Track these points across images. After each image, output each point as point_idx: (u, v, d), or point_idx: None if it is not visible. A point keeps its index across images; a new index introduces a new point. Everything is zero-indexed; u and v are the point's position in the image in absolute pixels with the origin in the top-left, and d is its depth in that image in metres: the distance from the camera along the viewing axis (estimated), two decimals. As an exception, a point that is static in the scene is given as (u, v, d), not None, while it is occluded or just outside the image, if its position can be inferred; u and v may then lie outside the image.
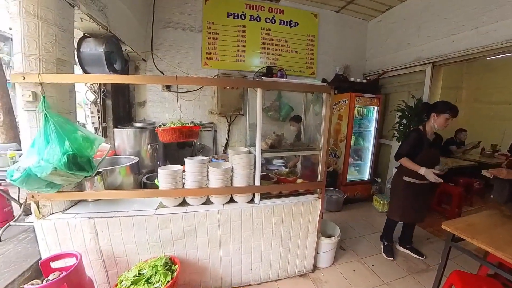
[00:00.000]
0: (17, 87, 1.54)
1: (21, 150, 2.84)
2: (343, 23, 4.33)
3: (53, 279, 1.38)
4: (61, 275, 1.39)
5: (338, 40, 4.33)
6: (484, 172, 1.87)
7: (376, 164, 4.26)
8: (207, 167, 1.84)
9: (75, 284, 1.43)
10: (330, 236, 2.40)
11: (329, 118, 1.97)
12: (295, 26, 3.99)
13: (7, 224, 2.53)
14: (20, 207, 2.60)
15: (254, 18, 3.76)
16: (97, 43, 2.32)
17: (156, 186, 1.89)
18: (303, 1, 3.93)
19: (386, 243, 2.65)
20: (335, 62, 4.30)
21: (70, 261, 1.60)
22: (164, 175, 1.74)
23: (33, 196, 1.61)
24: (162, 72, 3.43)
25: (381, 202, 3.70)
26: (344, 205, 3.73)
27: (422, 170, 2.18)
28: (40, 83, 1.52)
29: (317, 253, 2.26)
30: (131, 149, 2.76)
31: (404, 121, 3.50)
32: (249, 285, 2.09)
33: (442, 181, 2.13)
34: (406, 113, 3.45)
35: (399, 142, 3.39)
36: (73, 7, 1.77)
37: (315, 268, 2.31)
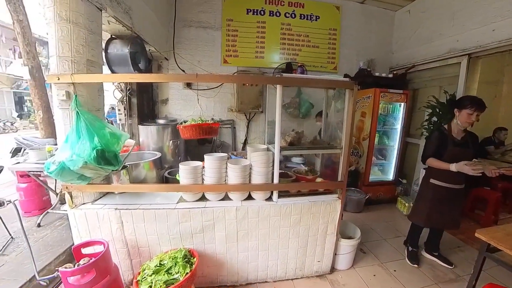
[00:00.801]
0: (53, 87, 1.67)
1: (57, 145, 3.10)
2: (368, 15, 4.10)
3: (83, 264, 1.49)
4: (91, 261, 1.50)
5: (362, 33, 4.12)
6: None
7: (401, 164, 4.03)
8: (226, 163, 1.86)
9: (103, 270, 1.54)
10: (350, 237, 2.32)
11: (351, 115, 1.88)
12: (316, 20, 3.86)
13: (46, 211, 2.81)
14: (56, 196, 2.86)
15: (274, 13, 3.70)
16: (122, 44, 2.44)
17: (177, 181, 1.95)
18: (325, -7, 3.79)
19: (410, 249, 2.50)
20: (358, 57, 4.10)
21: (98, 248, 1.72)
22: (185, 171, 1.80)
23: (67, 187, 1.74)
24: (183, 70, 3.53)
25: (406, 204, 3.49)
26: (365, 206, 3.58)
27: (453, 166, 2.00)
28: (72, 83, 1.63)
29: (335, 254, 2.20)
30: (154, 145, 2.89)
31: (435, 118, 3.24)
32: (265, 282, 2.10)
33: (481, 173, 1.89)
34: (437, 110, 3.19)
35: (428, 141, 3.17)
36: (101, 10, 1.87)
37: (333, 269, 2.25)
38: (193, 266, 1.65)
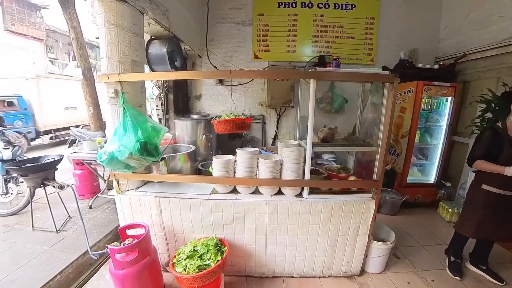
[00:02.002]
0: (103, 85, 1.86)
1: (105, 137, 3.47)
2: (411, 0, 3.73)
3: (128, 244, 1.67)
4: (134, 241, 1.67)
5: (404, 20, 3.77)
6: None
7: (446, 165, 3.65)
8: (257, 158, 1.89)
9: (144, 250, 1.70)
10: (383, 240, 2.20)
11: (391, 111, 1.76)
12: (351, 9, 3.64)
13: (96, 195, 3.18)
14: (105, 183, 3.21)
15: (306, 4, 3.59)
16: (161, 44, 2.60)
17: (210, 173, 2.05)
18: (362, -20, 3.55)
19: (453, 259, 2.26)
20: (398, 47, 3.77)
21: (140, 231, 1.89)
22: (218, 164, 1.88)
23: (115, 175, 1.94)
24: (215, 67, 3.64)
25: (449, 210, 3.16)
26: (401, 208, 3.34)
27: (509, 170, 1.75)
28: (120, 82, 1.80)
29: (366, 256, 2.11)
30: (188, 138, 3.06)
31: (489, 115, 2.84)
32: (291, 277, 2.11)
33: None
34: (493, 105, 2.79)
35: (479, 141, 2.82)
36: (142, 13, 2.02)
37: (362, 272, 2.17)
38: (224, 254, 1.73)
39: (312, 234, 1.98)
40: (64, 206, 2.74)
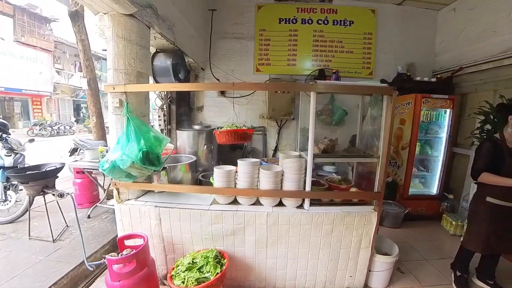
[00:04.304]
0: (108, 96, 1.91)
1: (107, 146, 3.49)
2: (407, 16, 3.88)
3: (126, 254, 1.64)
4: (132, 252, 1.64)
5: (400, 35, 3.90)
6: None
7: (447, 177, 3.63)
8: (259, 169, 1.90)
9: (142, 262, 1.66)
10: (386, 254, 2.15)
11: (390, 123, 1.78)
12: (350, 25, 3.78)
13: (95, 204, 3.15)
14: (104, 192, 3.19)
15: (306, 21, 3.73)
16: (166, 56, 2.68)
17: (211, 184, 2.05)
18: (359, -2, 3.71)
19: (459, 273, 2.20)
20: (396, 61, 3.88)
21: (139, 241, 1.86)
22: (219, 174, 1.88)
23: (115, 184, 1.94)
24: (218, 79, 3.72)
25: (453, 223, 3.12)
26: (404, 221, 3.29)
27: None
28: (125, 92, 1.85)
29: (369, 271, 2.05)
30: (190, 149, 3.07)
31: (488, 126, 2.87)
32: (293, 292, 2.05)
33: None
34: (491, 116, 2.83)
35: (479, 152, 2.83)
36: (149, 28, 2.10)
37: (366, 287, 2.10)
38: (223, 267, 1.70)
39: (313, 247, 1.95)
40: (63, 215, 2.72)
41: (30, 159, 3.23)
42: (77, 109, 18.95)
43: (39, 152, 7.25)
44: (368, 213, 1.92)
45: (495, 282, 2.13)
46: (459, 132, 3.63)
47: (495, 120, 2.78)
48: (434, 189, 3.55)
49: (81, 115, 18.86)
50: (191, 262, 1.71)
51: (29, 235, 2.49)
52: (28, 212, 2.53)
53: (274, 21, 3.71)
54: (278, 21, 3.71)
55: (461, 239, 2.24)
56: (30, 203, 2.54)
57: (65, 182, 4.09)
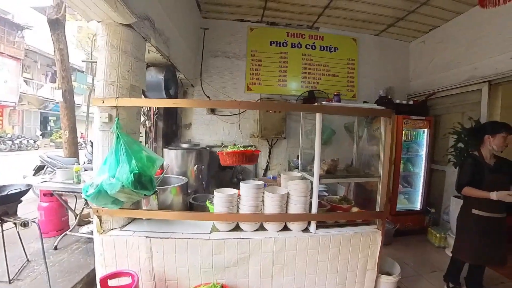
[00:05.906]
0: (95, 109, 1.71)
1: (79, 164, 3.11)
2: (384, 46, 4.27)
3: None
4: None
5: (379, 62, 4.26)
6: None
7: (428, 192, 3.84)
8: (263, 192, 1.78)
9: (132, 307, 1.41)
10: (387, 273, 2.11)
11: (390, 143, 1.84)
12: (335, 51, 4.04)
13: (64, 233, 2.69)
14: (76, 218, 2.77)
15: (295, 45, 3.91)
16: (157, 71, 2.56)
17: (204, 208, 1.86)
18: (342, 27, 4.00)
19: (451, 285, 2.30)
20: (376, 85, 4.18)
21: (124, 281, 1.60)
22: (220, 199, 1.72)
23: (97, 211, 1.68)
24: (208, 97, 3.64)
25: (438, 235, 3.25)
26: (394, 237, 3.34)
27: (494, 195, 1.90)
28: (116, 106, 1.67)
29: (375, 293, 1.98)
30: (178, 169, 2.86)
31: (461, 144, 3.16)
32: (299, 324, 1.87)
33: None
34: (463, 136, 3.12)
35: (456, 168, 3.08)
36: (146, 40, 1.99)
37: (372, 310, 2.02)
38: (227, 304, 1.50)
39: (320, 272, 1.83)
40: (23, 246, 2.27)
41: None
42: (44, 122, 17.23)
43: (-6, 170, 6.28)
44: (372, 232, 1.89)
45: (483, 290, 2.22)
46: (435, 150, 3.92)
47: (466, 139, 3.07)
48: (418, 204, 3.71)
49: (48, 129, 17.21)
50: (189, 301, 1.49)
51: (-23, 276, 2.02)
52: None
53: (266, 42, 3.83)
54: (269, 43, 3.85)
55: (445, 250, 2.33)
56: (-17, 234, 2.09)
57: (27, 205, 3.50)
